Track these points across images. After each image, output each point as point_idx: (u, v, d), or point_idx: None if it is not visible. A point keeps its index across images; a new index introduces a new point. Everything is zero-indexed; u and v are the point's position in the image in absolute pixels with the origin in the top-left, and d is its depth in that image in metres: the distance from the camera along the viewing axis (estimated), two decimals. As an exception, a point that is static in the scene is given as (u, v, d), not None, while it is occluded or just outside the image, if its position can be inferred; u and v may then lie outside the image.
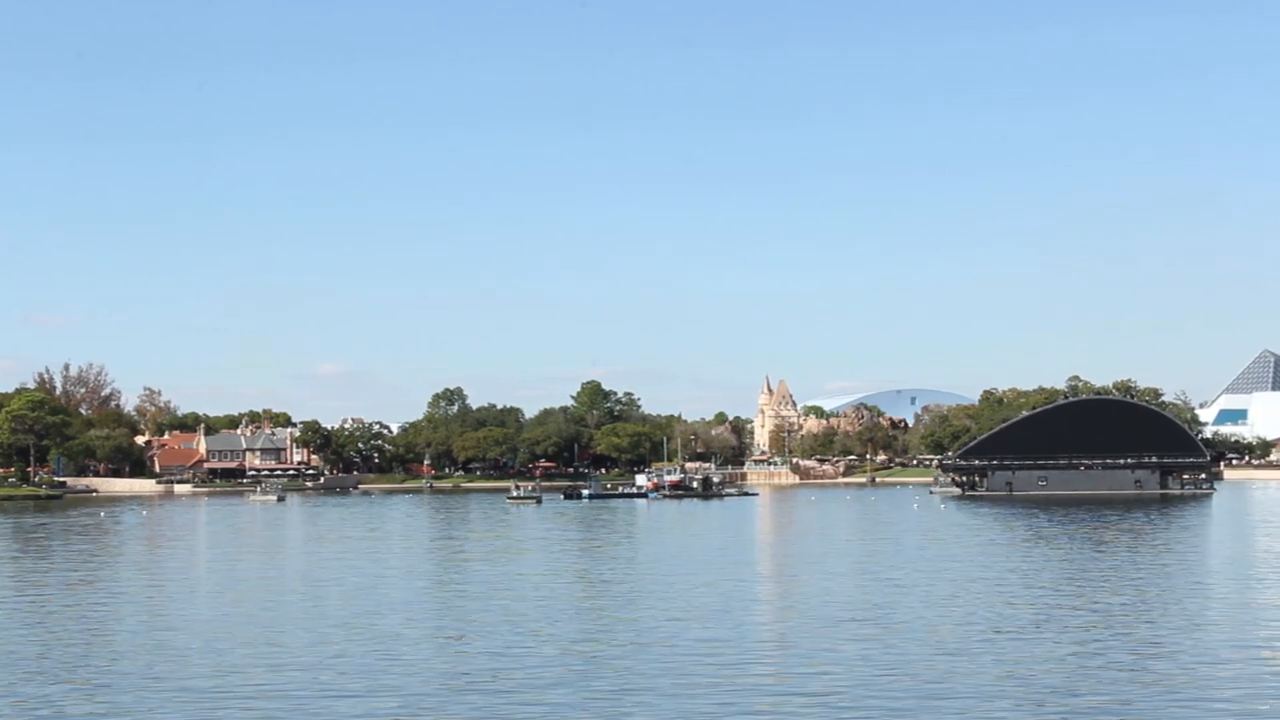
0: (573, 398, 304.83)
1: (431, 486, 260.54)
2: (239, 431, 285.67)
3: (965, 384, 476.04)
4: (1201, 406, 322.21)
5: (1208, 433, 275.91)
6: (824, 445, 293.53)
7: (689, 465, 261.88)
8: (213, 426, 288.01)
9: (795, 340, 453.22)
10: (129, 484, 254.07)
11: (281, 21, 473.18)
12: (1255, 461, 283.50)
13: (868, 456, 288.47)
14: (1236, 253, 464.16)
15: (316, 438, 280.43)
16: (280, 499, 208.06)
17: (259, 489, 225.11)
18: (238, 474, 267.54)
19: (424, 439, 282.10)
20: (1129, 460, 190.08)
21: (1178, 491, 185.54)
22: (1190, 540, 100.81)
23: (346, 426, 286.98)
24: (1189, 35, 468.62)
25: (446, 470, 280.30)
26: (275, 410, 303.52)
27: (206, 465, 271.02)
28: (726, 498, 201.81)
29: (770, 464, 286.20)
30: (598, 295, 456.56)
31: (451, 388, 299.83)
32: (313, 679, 42.24)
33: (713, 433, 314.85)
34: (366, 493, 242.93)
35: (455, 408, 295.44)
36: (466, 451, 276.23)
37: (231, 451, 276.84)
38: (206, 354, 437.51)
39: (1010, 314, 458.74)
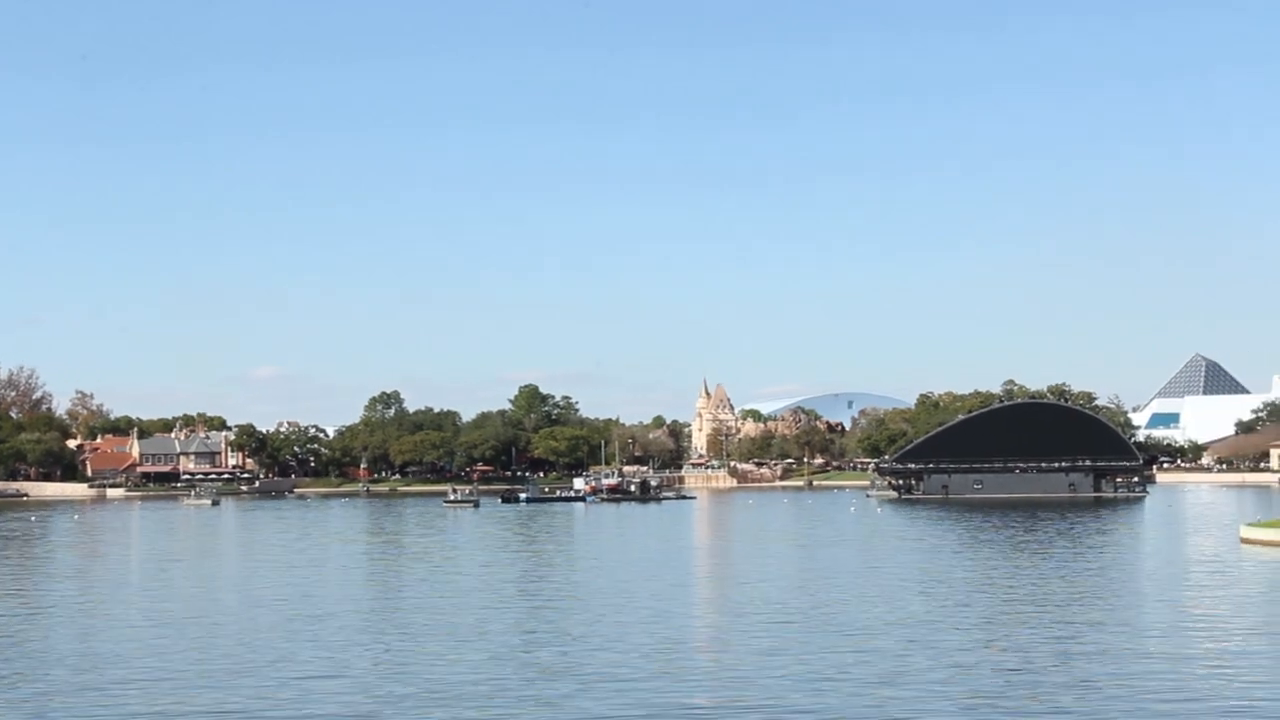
0: (510, 401, 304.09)
1: (368, 490, 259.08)
2: (173, 435, 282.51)
3: (902, 388, 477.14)
4: (1134, 410, 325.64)
5: (1140, 436, 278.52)
6: (761, 449, 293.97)
7: (627, 469, 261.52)
8: (146, 430, 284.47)
9: (733, 344, 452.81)
10: (60, 488, 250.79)
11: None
12: (1186, 465, 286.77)
13: (805, 460, 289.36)
14: (1168, 257, 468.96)
15: (251, 441, 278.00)
16: (214, 503, 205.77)
17: (193, 493, 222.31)
18: (171, 478, 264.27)
19: (360, 442, 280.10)
20: (1063, 463, 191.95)
21: (1110, 495, 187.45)
22: (1122, 543, 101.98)
23: (282, 430, 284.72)
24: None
25: (383, 474, 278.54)
26: (210, 414, 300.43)
27: (140, 469, 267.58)
28: (664, 501, 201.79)
29: (708, 467, 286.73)
30: (535, 298, 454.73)
31: (388, 391, 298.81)
32: (248, 689, 41.74)
33: (650, 436, 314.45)
34: (302, 497, 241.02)
35: (392, 411, 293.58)
36: (403, 455, 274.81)
37: (165, 455, 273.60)
38: (140, 357, 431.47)
39: (946, 318, 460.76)
